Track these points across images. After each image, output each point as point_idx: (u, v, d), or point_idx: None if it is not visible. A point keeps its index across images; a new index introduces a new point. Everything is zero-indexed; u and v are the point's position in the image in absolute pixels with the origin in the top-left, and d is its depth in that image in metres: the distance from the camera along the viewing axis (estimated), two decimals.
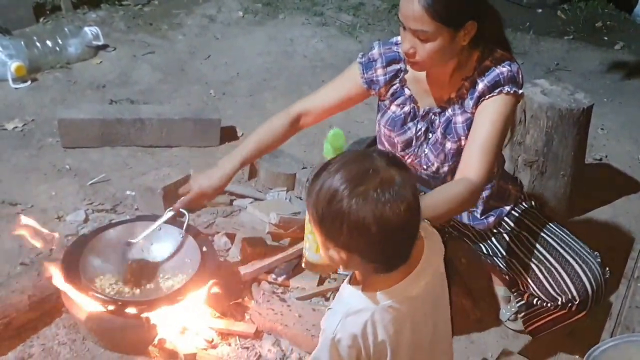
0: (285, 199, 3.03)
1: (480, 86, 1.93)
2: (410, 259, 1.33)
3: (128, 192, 3.01)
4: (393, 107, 2.13)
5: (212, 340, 2.26)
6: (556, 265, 2.11)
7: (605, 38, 5.44)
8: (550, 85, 2.94)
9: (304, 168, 3.18)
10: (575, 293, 2.05)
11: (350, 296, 1.36)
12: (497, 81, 1.91)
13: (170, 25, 4.89)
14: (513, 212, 2.23)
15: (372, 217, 1.19)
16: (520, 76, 1.96)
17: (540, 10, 5.85)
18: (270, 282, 2.54)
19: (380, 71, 2.09)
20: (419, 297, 1.35)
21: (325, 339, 1.35)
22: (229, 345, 2.27)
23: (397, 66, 2.08)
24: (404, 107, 2.10)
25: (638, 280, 1.66)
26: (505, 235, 2.22)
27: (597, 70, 4.86)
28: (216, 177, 2.18)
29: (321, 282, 2.56)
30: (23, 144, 3.35)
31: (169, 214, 2.28)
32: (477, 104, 1.94)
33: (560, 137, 2.88)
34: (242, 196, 3.04)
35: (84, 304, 2.12)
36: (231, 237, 2.70)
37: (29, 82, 3.89)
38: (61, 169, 3.17)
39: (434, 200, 1.78)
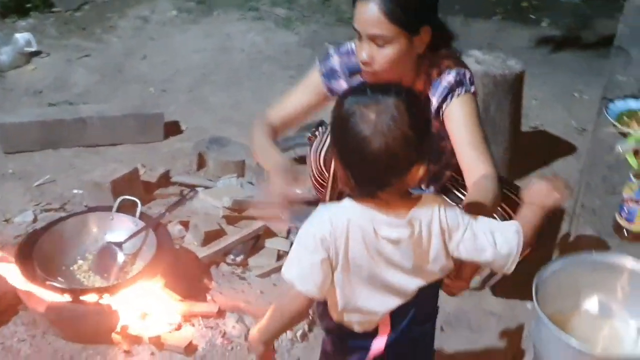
0: (237, 184, 3.05)
1: (434, 101, 1.93)
2: (389, 202, 1.36)
3: (75, 191, 2.98)
4: None
5: (175, 323, 2.27)
6: (504, 206, 2.17)
7: (532, 16, 5.63)
8: (483, 55, 3.05)
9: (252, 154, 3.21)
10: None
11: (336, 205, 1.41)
12: (447, 91, 1.91)
13: (103, 29, 4.85)
14: (449, 186, 2.28)
15: (365, 136, 1.26)
16: (468, 78, 1.96)
17: None
18: (228, 264, 2.56)
19: (343, 83, 2.06)
20: (378, 238, 1.37)
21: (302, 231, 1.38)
22: (193, 326, 2.28)
23: (359, 77, 2.04)
24: None
25: (580, 216, 1.76)
26: None
27: (527, 47, 5.04)
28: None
29: (279, 257, 2.60)
30: None
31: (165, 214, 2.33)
32: (437, 117, 1.94)
33: (496, 103, 2.99)
34: (192, 186, 3.04)
35: (43, 296, 2.10)
36: (185, 224, 2.70)
37: None
38: (4, 173, 3.12)
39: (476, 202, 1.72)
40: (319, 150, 2.35)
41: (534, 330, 1.35)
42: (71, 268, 2.30)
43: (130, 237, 2.30)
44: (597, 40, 5.08)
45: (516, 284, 2.24)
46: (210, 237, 2.59)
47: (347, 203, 1.38)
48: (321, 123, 3.47)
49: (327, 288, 1.39)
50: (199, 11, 5.24)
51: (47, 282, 2.07)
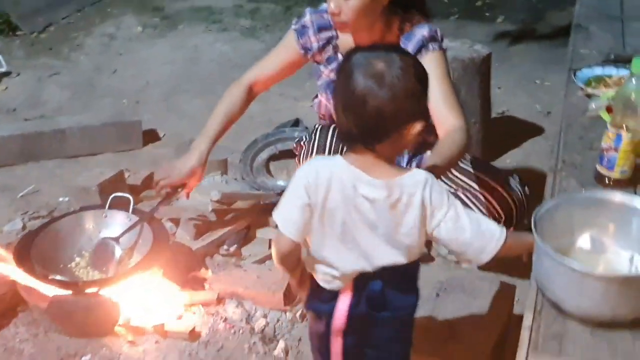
0: (222, 181, 3.09)
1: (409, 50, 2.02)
2: (379, 162, 1.41)
3: (61, 199, 3.00)
4: (327, 72, 2.25)
5: (177, 313, 2.30)
6: (480, 189, 2.30)
7: (487, 14, 5.84)
8: (450, 42, 3.17)
9: (233, 153, 3.27)
10: (500, 212, 2.25)
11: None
12: (421, 44, 2.03)
13: (70, 48, 4.87)
14: None
15: (373, 85, 1.33)
16: (439, 35, 2.09)
17: None
18: (223, 255, 2.60)
19: (312, 38, 2.19)
20: (357, 195, 1.42)
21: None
22: (194, 314, 2.32)
23: (328, 33, 2.19)
24: None
25: (562, 171, 1.87)
26: None
27: (485, 42, 5.16)
28: (195, 158, 2.18)
29: (270, 246, 2.64)
30: None
31: (152, 211, 2.33)
32: None
33: (466, 86, 3.11)
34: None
35: (45, 291, 2.11)
36: (175, 221, 2.74)
37: None
38: None
39: (444, 152, 1.86)
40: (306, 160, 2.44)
41: (536, 264, 1.43)
42: (69, 266, 2.32)
43: (126, 231, 2.33)
44: (551, 31, 5.29)
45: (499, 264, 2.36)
46: (201, 231, 2.63)
47: (337, 159, 1.44)
48: (297, 122, 3.57)
49: (307, 233, 1.45)
50: (164, 26, 5.30)
51: (50, 277, 2.09)
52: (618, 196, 1.53)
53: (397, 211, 1.43)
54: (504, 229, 1.48)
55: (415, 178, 1.44)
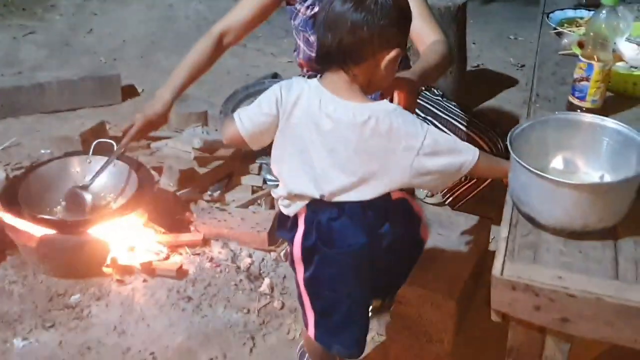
0: (202, 132, 3.12)
1: None
2: (351, 87, 1.47)
3: (43, 151, 2.99)
4: (303, 10, 2.28)
5: (163, 253, 2.35)
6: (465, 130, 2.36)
7: None
8: None
9: (213, 107, 3.29)
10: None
11: None
12: None
13: (44, 8, 4.83)
14: (418, 101, 2.44)
15: (360, 6, 1.41)
16: None
17: None
18: (207, 200, 2.65)
19: None
20: (321, 112, 1.47)
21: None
22: (180, 255, 2.38)
23: None
24: (313, 7, 2.25)
25: (536, 103, 1.94)
26: None
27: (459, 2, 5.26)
28: (159, 105, 2.22)
29: (253, 192, 2.70)
30: None
31: (119, 151, 2.32)
32: None
33: None
34: (159, 138, 3.10)
35: (34, 232, 2.15)
36: (158, 170, 2.77)
37: None
38: None
39: (428, 59, 1.91)
40: None
41: (512, 181, 1.50)
42: (55, 209, 2.34)
43: (97, 174, 2.33)
44: None
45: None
46: (184, 178, 2.67)
47: (312, 80, 1.51)
48: (275, 76, 3.59)
49: (256, 138, 1.54)
50: None
51: (39, 216, 2.12)
52: (588, 117, 1.61)
53: (362, 135, 1.44)
54: (477, 149, 1.53)
55: (385, 106, 1.47)
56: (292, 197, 1.55)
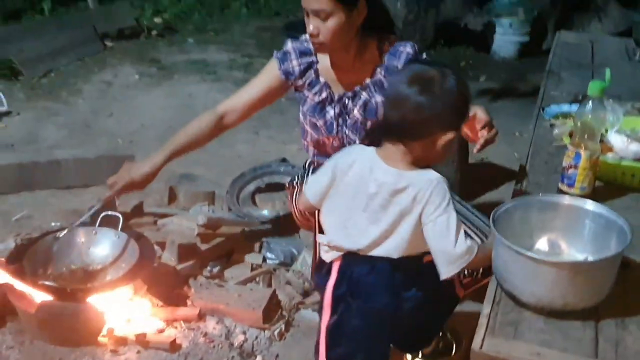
0: (208, 211, 3.20)
1: (399, 66, 2.16)
2: (403, 157, 1.61)
3: (53, 224, 3.08)
4: (311, 96, 2.38)
5: (159, 327, 2.37)
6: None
7: (471, 74, 6.09)
8: None
9: (221, 187, 3.39)
10: None
11: None
12: (409, 58, 2.18)
13: (69, 92, 5.05)
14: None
15: (424, 89, 1.55)
16: (420, 49, 2.25)
17: None
18: (206, 276, 2.69)
19: (294, 62, 2.30)
20: (370, 177, 1.63)
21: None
22: (175, 328, 2.39)
23: (309, 58, 2.32)
24: (321, 94, 2.34)
25: (527, 188, 2.00)
26: None
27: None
28: (147, 167, 2.28)
29: (253, 269, 2.74)
30: None
31: (98, 204, 2.39)
32: None
33: None
34: (165, 215, 3.18)
35: (34, 298, 2.20)
36: (162, 245, 2.83)
37: None
38: None
39: None
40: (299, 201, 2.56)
41: (495, 259, 1.54)
42: (58, 276, 2.39)
43: (119, 256, 2.43)
44: (532, 90, 5.50)
45: None
46: (185, 253, 2.72)
47: (369, 148, 1.68)
48: (284, 160, 3.70)
49: (322, 200, 1.73)
50: (160, 76, 5.50)
51: (40, 282, 2.17)
52: (570, 199, 1.66)
53: (394, 199, 1.60)
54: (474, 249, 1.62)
55: (427, 176, 1.60)
56: (332, 246, 1.71)
